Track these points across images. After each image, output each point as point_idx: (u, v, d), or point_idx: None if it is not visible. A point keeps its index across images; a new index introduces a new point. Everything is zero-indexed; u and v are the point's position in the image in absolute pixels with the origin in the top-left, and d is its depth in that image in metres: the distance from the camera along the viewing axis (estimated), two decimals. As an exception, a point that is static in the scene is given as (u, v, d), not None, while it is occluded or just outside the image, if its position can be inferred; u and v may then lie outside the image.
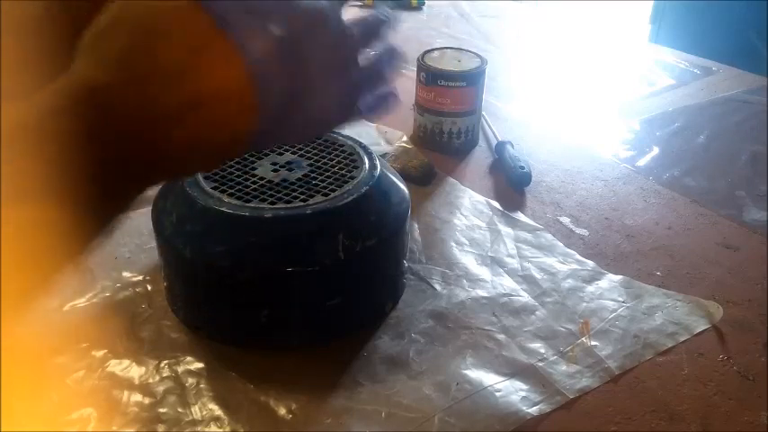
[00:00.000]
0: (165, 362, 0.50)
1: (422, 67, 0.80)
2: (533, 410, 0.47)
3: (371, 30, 0.38)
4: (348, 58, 0.35)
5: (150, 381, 0.48)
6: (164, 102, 0.27)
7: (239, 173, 0.53)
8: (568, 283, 0.60)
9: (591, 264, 0.63)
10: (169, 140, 0.28)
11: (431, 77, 0.79)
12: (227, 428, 0.45)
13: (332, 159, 0.56)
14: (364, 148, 0.58)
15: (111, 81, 0.26)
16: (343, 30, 0.35)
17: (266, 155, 0.56)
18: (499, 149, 0.81)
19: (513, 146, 0.81)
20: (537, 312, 0.57)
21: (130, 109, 0.27)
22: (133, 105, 0.27)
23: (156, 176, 0.30)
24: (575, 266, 0.63)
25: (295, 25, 0.31)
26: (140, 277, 0.59)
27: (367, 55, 0.38)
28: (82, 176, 0.25)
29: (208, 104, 0.28)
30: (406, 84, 0.99)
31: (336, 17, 0.34)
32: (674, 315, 0.57)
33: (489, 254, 0.64)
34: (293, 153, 0.57)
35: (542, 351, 0.53)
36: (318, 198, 0.51)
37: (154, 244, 0.54)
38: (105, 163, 0.26)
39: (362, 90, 0.38)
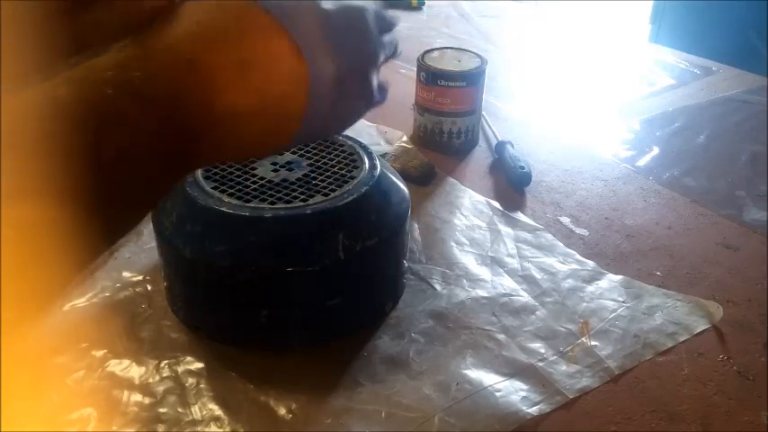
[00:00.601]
0: (165, 362, 0.50)
1: (422, 67, 0.80)
2: (533, 410, 0.47)
3: (386, 25, 0.39)
4: (377, 53, 0.37)
5: (150, 381, 0.48)
6: (216, 59, 0.28)
7: (239, 173, 0.53)
8: (568, 283, 0.60)
9: (591, 264, 0.63)
10: (218, 103, 0.28)
11: (431, 77, 0.79)
12: (227, 428, 0.45)
13: (332, 159, 0.56)
14: (364, 148, 0.58)
15: (169, 43, 0.28)
16: (375, 26, 0.36)
17: (266, 155, 0.56)
18: (499, 149, 0.81)
19: (513, 146, 0.81)
20: (537, 312, 0.57)
21: (181, 68, 0.27)
22: (184, 63, 0.27)
23: (201, 153, 0.30)
24: (575, 266, 0.63)
25: (339, 15, 0.33)
26: (140, 277, 0.59)
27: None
28: (120, 160, 0.26)
29: (259, 66, 0.29)
30: (406, 84, 0.99)
31: (372, 15, 0.36)
32: (674, 315, 0.57)
33: (489, 254, 0.64)
34: (293, 153, 0.57)
35: (542, 351, 0.53)
36: (318, 198, 0.51)
37: (154, 244, 0.54)
38: (148, 139, 0.27)
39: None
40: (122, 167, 0.26)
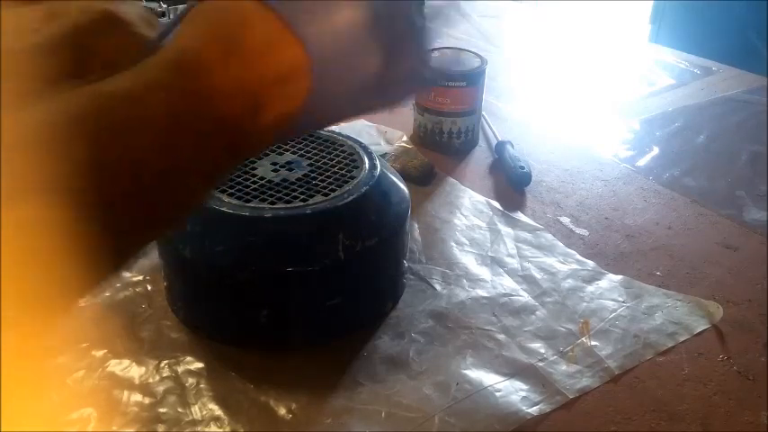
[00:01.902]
0: (165, 362, 0.50)
1: (422, 67, 0.80)
2: (533, 410, 0.47)
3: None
4: (419, 42, 0.36)
5: (150, 381, 0.49)
6: (244, 76, 0.28)
7: (239, 173, 0.53)
8: (568, 282, 0.60)
9: (591, 264, 0.63)
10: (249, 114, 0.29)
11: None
12: (227, 428, 0.45)
13: (332, 159, 0.56)
14: (364, 148, 0.58)
15: (200, 48, 0.28)
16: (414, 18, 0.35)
17: (266, 155, 0.56)
18: (499, 149, 0.81)
19: (513, 146, 0.81)
20: (537, 312, 0.57)
21: (216, 80, 0.28)
22: (219, 76, 0.28)
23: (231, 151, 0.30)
24: (575, 266, 0.63)
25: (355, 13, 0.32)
26: (140, 277, 0.58)
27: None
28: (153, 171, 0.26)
29: (279, 80, 0.29)
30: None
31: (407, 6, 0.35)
32: (674, 315, 0.57)
33: (489, 254, 0.64)
34: (293, 153, 0.57)
35: (542, 351, 0.53)
36: (318, 198, 0.51)
37: (154, 244, 0.54)
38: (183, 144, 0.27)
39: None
40: (132, 178, 0.26)
